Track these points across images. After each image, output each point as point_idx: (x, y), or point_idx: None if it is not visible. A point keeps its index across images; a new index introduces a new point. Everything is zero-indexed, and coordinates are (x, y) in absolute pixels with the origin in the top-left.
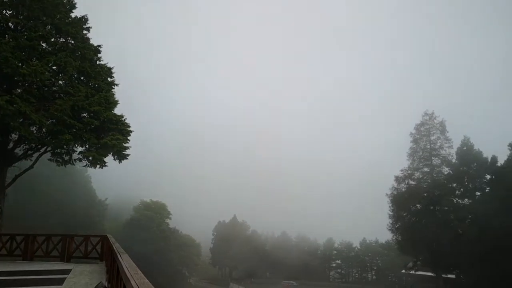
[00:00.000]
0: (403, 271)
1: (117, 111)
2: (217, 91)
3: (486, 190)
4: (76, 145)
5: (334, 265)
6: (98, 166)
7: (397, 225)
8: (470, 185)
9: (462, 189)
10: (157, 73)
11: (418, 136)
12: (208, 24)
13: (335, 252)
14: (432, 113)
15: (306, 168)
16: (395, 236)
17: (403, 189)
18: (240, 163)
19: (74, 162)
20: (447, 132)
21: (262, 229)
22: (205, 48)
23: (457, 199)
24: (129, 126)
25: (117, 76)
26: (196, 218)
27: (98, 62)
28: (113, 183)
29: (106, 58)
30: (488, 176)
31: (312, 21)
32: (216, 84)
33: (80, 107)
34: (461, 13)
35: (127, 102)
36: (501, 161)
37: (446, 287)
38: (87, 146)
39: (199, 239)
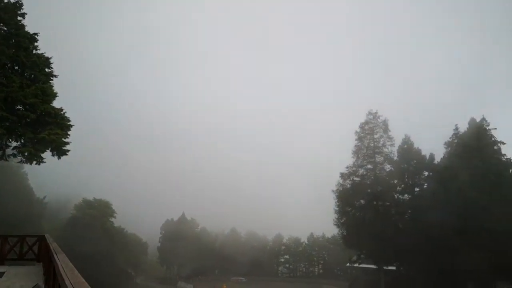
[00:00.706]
0: (348, 264)
1: (58, 103)
2: (172, 89)
3: (424, 186)
4: (10, 140)
5: (282, 260)
6: (34, 162)
7: (342, 220)
8: (410, 181)
9: (402, 185)
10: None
11: (362, 134)
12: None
13: (283, 247)
14: (376, 112)
15: (257, 165)
16: (340, 231)
17: (348, 185)
18: (190, 160)
19: (7, 158)
20: (390, 131)
21: (212, 226)
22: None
23: (398, 194)
24: (69, 120)
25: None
26: (143, 217)
27: (34, 51)
28: (54, 181)
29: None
30: (426, 173)
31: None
32: (170, 81)
33: (14, 99)
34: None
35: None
36: (437, 158)
37: (386, 279)
38: (22, 141)
39: (146, 238)
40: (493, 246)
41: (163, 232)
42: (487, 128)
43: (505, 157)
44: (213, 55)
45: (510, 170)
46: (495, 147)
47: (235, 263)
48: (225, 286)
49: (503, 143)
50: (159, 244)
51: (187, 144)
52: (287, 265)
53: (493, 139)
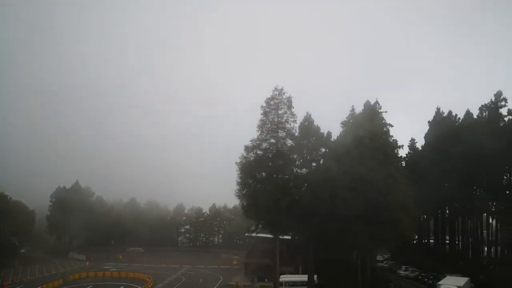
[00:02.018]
0: (247, 234)
1: None
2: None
3: (321, 162)
4: None
5: (183, 230)
6: None
7: (244, 192)
8: (308, 157)
9: (301, 160)
10: None
11: (268, 109)
12: None
13: (184, 218)
14: (282, 89)
15: (160, 134)
16: (241, 202)
17: (251, 158)
18: (87, 122)
19: None
20: (293, 107)
21: (109, 195)
22: None
23: (296, 168)
24: None
25: None
26: (29, 183)
27: None
28: None
29: None
30: (323, 149)
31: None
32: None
33: None
34: None
35: None
36: (334, 136)
37: (281, 247)
38: None
39: (34, 207)
40: (374, 219)
41: (54, 200)
42: (379, 111)
43: (392, 139)
44: None
45: (395, 150)
46: (385, 129)
47: (133, 233)
48: (121, 257)
49: (391, 126)
50: (48, 213)
51: (84, 105)
52: (187, 235)
53: (383, 121)
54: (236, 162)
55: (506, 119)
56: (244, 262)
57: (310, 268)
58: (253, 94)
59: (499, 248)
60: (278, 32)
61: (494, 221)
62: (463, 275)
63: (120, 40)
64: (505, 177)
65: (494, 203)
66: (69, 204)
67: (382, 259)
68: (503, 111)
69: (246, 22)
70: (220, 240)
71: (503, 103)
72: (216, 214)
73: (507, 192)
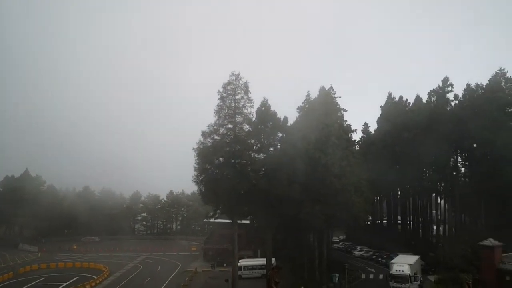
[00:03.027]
0: (205, 219)
1: None
2: None
3: (278, 146)
4: None
5: (140, 218)
6: None
7: (202, 177)
8: (265, 141)
9: (259, 145)
10: None
11: (224, 95)
12: None
13: (141, 205)
14: (238, 74)
15: (116, 120)
16: (199, 188)
17: (208, 144)
18: (35, 107)
19: None
20: (250, 92)
21: (61, 184)
22: None
23: (254, 153)
24: None
25: None
26: None
27: None
28: None
29: None
30: (280, 134)
31: None
32: None
33: None
34: None
35: None
36: (291, 121)
37: (240, 231)
38: None
39: None
40: (329, 201)
41: (1, 189)
42: (334, 96)
43: (346, 123)
44: None
45: (349, 134)
46: (339, 114)
47: (88, 222)
48: (75, 247)
49: (345, 110)
50: None
51: (31, 88)
52: (144, 223)
53: (337, 106)
54: (194, 148)
55: (452, 103)
56: (203, 248)
57: (268, 252)
58: (211, 79)
59: (446, 227)
60: (237, 18)
61: (442, 201)
62: (414, 254)
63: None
64: (452, 159)
65: (442, 184)
66: (18, 194)
67: (338, 240)
68: (450, 96)
69: (204, 5)
70: (178, 227)
71: (449, 88)
72: (174, 201)
73: (454, 173)
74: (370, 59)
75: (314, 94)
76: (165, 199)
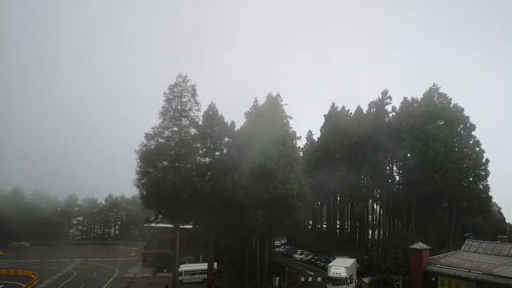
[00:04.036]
0: (146, 224)
1: None
2: None
3: (224, 151)
4: None
5: (75, 222)
6: None
7: (143, 181)
8: (211, 146)
9: (205, 149)
10: None
11: (171, 96)
12: None
13: (77, 209)
14: (186, 76)
15: (49, 120)
16: (141, 191)
17: (152, 146)
18: None
19: None
20: (197, 96)
21: None
22: None
23: (199, 157)
24: None
25: None
26: None
27: None
28: None
29: None
30: (227, 139)
31: None
32: None
33: None
34: None
35: None
36: (238, 126)
37: (182, 236)
38: None
39: None
40: (272, 206)
41: None
42: (280, 103)
43: (291, 130)
44: None
45: (294, 141)
46: (285, 121)
47: (17, 226)
48: (1, 253)
49: (291, 118)
50: None
51: None
52: (80, 227)
53: (284, 113)
54: (136, 150)
55: (390, 115)
56: (142, 253)
57: (210, 256)
58: (156, 81)
59: (381, 231)
60: (183, 20)
61: (378, 207)
62: (351, 256)
63: None
64: (388, 167)
65: (378, 190)
66: None
67: (279, 244)
68: (388, 107)
69: (150, 7)
70: (117, 232)
71: (388, 100)
72: (113, 205)
73: (389, 180)
74: (316, 68)
75: (262, 101)
76: (104, 203)
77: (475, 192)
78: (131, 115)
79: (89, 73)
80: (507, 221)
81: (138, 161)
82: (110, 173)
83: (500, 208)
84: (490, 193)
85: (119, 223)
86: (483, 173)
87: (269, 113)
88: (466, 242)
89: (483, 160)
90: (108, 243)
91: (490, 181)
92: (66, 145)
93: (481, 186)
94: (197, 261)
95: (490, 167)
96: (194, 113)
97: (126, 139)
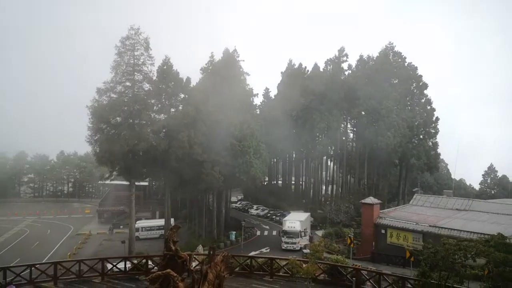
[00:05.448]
0: (100, 181)
1: None
2: None
3: (179, 107)
4: None
5: (26, 179)
6: None
7: (96, 137)
8: (166, 102)
9: (159, 105)
10: None
11: (123, 50)
12: None
13: (27, 166)
14: (138, 29)
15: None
16: (94, 148)
17: (104, 102)
18: None
19: None
20: (151, 49)
21: None
22: None
23: (154, 114)
24: None
25: None
26: None
27: None
28: None
29: None
30: (182, 95)
31: None
32: None
33: None
34: None
35: None
36: (194, 82)
37: (138, 193)
38: None
39: None
40: (229, 162)
41: None
42: (237, 59)
43: (248, 87)
44: None
45: (251, 98)
46: (242, 77)
47: None
48: None
49: (248, 74)
50: None
51: None
52: (32, 185)
53: (241, 69)
54: (87, 106)
55: (346, 73)
56: (97, 210)
57: (166, 212)
58: (110, 36)
59: (334, 187)
60: None
61: (332, 163)
62: (305, 211)
63: None
64: (342, 124)
65: (333, 147)
66: None
67: (236, 200)
68: (344, 65)
69: None
70: (71, 189)
71: (344, 58)
72: (65, 162)
73: (343, 138)
74: (275, 25)
75: (219, 56)
76: (55, 160)
77: (424, 149)
78: (83, 70)
79: (38, 24)
80: (453, 176)
81: (90, 117)
82: (61, 130)
83: (447, 164)
84: (439, 150)
85: (73, 180)
86: (433, 131)
87: (226, 69)
88: (414, 196)
89: (434, 118)
90: (62, 201)
91: (439, 138)
92: (14, 101)
93: (430, 144)
94: (154, 218)
95: (439, 125)
96: (147, 67)
97: (77, 94)
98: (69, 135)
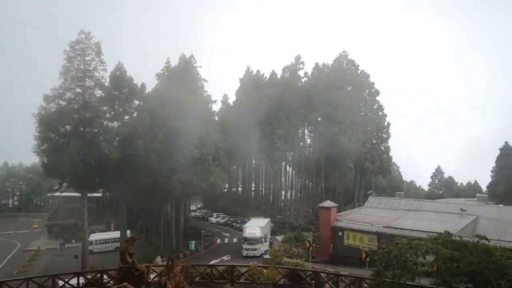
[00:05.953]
0: (49, 194)
1: None
2: None
3: (134, 114)
4: None
5: None
6: None
7: (44, 147)
8: (120, 109)
9: (112, 112)
10: None
11: (72, 55)
12: None
13: None
14: (89, 33)
15: None
16: (41, 159)
17: (52, 109)
18: None
19: None
20: (103, 54)
21: None
22: None
23: (107, 121)
24: None
25: None
26: None
27: None
28: None
29: None
30: (137, 102)
31: None
32: None
33: None
34: None
35: None
36: (149, 89)
37: (90, 205)
38: None
39: None
40: (187, 170)
41: None
42: (195, 65)
43: (206, 93)
44: None
45: (209, 105)
46: (199, 83)
47: None
48: None
49: (206, 81)
50: None
51: None
52: None
53: (198, 75)
54: (34, 114)
55: (303, 80)
56: (46, 225)
57: (122, 224)
58: (55, 34)
59: (293, 192)
60: None
61: (290, 169)
62: (265, 217)
63: None
64: (300, 130)
65: (291, 153)
66: None
67: (195, 208)
68: (301, 73)
69: None
70: (16, 203)
71: (301, 65)
72: (9, 174)
73: (301, 143)
74: (233, 31)
75: (175, 62)
76: None
77: (377, 153)
78: (30, 76)
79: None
80: (404, 178)
81: (37, 125)
82: (3, 139)
83: (398, 167)
84: (390, 154)
85: (18, 193)
86: (385, 136)
87: (183, 75)
88: (369, 199)
89: (385, 124)
90: (6, 216)
91: (391, 142)
92: None
93: (382, 148)
94: (108, 230)
95: (390, 130)
96: (99, 73)
97: (23, 101)
98: (13, 145)
